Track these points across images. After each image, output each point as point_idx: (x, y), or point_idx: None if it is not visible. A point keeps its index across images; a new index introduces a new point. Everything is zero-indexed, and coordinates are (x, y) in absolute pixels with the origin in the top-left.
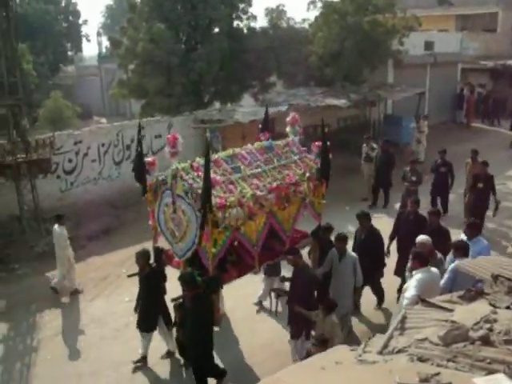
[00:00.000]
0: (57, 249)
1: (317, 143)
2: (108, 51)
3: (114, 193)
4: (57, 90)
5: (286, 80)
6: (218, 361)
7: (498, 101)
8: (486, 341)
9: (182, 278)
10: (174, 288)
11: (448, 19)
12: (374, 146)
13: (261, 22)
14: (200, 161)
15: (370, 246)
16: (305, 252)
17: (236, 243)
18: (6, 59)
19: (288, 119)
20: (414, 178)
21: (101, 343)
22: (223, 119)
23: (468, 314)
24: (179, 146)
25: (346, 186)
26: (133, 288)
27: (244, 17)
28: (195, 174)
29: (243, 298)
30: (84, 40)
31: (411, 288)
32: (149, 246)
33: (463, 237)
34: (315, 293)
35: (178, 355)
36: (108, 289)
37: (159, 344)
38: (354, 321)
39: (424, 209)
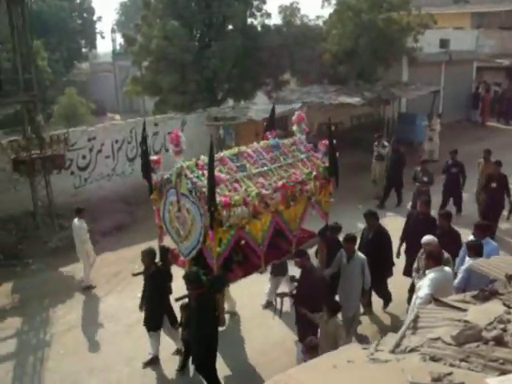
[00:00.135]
0: (76, 242)
1: (324, 142)
2: (122, 48)
3: (127, 189)
4: (71, 87)
5: (300, 78)
6: (229, 359)
7: None
8: (499, 341)
9: (186, 277)
10: (179, 287)
11: (463, 17)
12: (386, 143)
13: (275, 20)
14: (205, 159)
15: (378, 246)
16: (312, 252)
17: (242, 242)
18: (21, 56)
19: (294, 118)
20: (425, 179)
21: (113, 338)
22: (237, 116)
23: (481, 314)
24: (183, 144)
25: (358, 184)
26: (174, 273)
27: (258, 14)
28: (200, 172)
29: (255, 296)
30: (98, 37)
31: (424, 287)
32: (167, 241)
33: (472, 238)
34: (322, 295)
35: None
36: (120, 285)
37: (169, 340)
38: (365, 321)
39: (436, 209)
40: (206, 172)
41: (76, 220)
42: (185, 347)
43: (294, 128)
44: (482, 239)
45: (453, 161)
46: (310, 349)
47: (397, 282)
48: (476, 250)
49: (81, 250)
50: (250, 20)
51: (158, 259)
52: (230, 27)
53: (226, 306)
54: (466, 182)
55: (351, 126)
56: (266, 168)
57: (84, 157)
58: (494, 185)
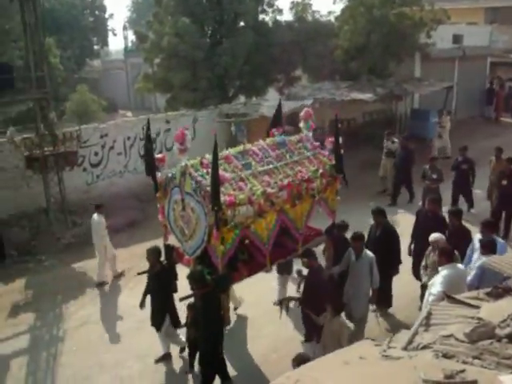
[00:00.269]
0: (94, 237)
1: (330, 139)
2: (134, 45)
3: (139, 186)
4: (83, 84)
5: (311, 74)
6: (240, 355)
7: None
8: None
9: (191, 276)
10: (184, 287)
11: (477, 12)
12: (395, 140)
13: (286, 16)
14: (210, 157)
15: (385, 244)
16: (319, 250)
17: (247, 241)
18: (33, 53)
19: (301, 114)
20: (434, 176)
21: (124, 335)
22: (248, 113)
23: (495, 311)
24: (188, 142)
25: (369, 180)
26: (179, 271)
27: (269, 10)
28: (204, 170)
29: (265, 293)
30: (110, 34)
31: (437, 284)
32: (172, 240)
33: (479, 236)
34: (328, 295)
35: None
36: (132, 281)
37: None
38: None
39: (447, 206)
40: (210, 171)
41: (95, 215)
42: (190, 346)
43: (301, 125)
44: (490, 237)
45: (463, 157)
46: (300, 363)
47: (406, 280)
48: (490, 248)
49: (98, 245)
50: (261, 16)
51: (163, 258)
52: (242, 24)
53: (231, 305)
54: (475, 180)
55: (363, 122)
56: (271, 166)
57: (96, 153)
58: (504, 182)
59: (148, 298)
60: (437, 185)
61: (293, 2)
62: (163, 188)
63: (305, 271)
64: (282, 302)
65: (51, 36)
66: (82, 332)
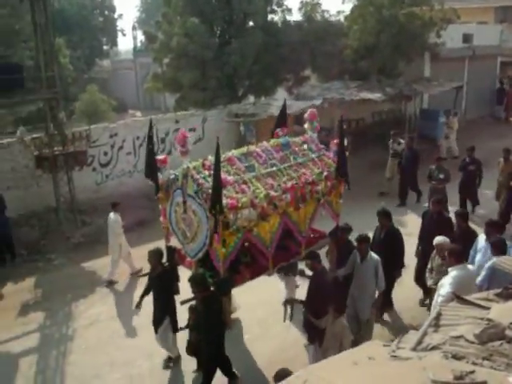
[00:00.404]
0: (110, 235)
1: (335, 140)
2: (143, 45)
3: (148, 185)
4: (92, 84)
5: (321, 73)
6: (248, 355)
7: None
8: None
9: (192, 279)
10: (186, 289)
11: (487, 11)
12: (401, 141)
13: (295, 16)
14: (212, 159)
15: (389, 246)
16: (323, 252)
17: (247, 244)
18: (43, 53)
19: (306, 115)
20: (441, 176)
21: (134, 333)
22: (257, 113)
23: (505, 312)
24: (189, 144)
25: (378, 181)
26: (181, 274)
27: (279, 10)
28: (207, 172)
29: (272, 294)
30: (119, 34)
31: (446, 285)
32: (174, 242)
33: (483, 236)
34: (331, 298)
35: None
36: (142, 280)
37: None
38: (384, 320)
39: (455, 206)
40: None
41: (111, 214)
42: (190, 348)
43: (306, 126)
44: (494, 238)
45: (470, 158)
46: (279, 380)
47: (413, 282)
48: (501, 248)
49: (113, 243)
50: (270, 16)
51: (165, 260)
52: (251, 24)
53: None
54: (482, 181)
55: (372, 122)
56: (275, 168)
57: (106, 153)
58: None
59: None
60: (443, 185)
61: (302, 2)
62: (165, 190)
63: (309, 272)
64: (286, 304)
65: (61, 36)
66: (92, 331)
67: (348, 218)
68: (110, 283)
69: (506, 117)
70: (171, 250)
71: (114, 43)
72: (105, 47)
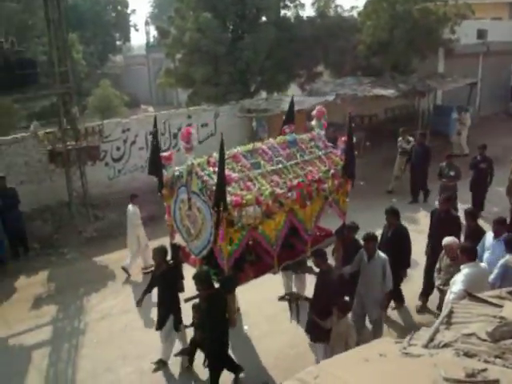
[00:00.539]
0: (129, 227)
1: (343, 138)
2: (156, 41)
3: None
4: (105, 79)
5: (333, 69)
6: (260, 350)
7: None
8: None
9: (196, 277)
10: (191, 287)
11: (502, 7)
12: (410, 139)
13: (308, 11)
14: (217, 156)
15: (396, 245)
16: (330, 251)
17: (251, 242)
18: (56, 49)
19: (314, 112)
20: (451, 173)
21: (146, 327)
22: (270, 109)
23: None
24: (194, 141)
25: (389, 177)
26: (186, 271)
27: (291, 5)
28: (211, 169)
29: (283, 289)
30: (132, 30)
31: (458, 282)
32: (178, 239)
33: (491, 234)
34: (337, 297)
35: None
36: None
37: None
38: (395, 317)
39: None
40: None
41: (130, 206)
42: (193, 346)
43: (313, 123)
44: (501, 236)
45: (481, 156)
46: None
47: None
48: None
49: (132, 235)
50: (283, 11)
51: (169, 257)
52: (264, 19)
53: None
54: (494, 178)
55: (385, 118)
56: (281, 165)
57: (118, 148)
58: None
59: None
60: (454, 183)
61: None
62: (170, 187)
63: (316, 270)
64: (289, 299)
65: (74, 32)
66: (104, 324)
67: (356, 216)
68: (125, 270)
69: None
70: (176, 248)
71: (126, 39)
72: (118, 43)
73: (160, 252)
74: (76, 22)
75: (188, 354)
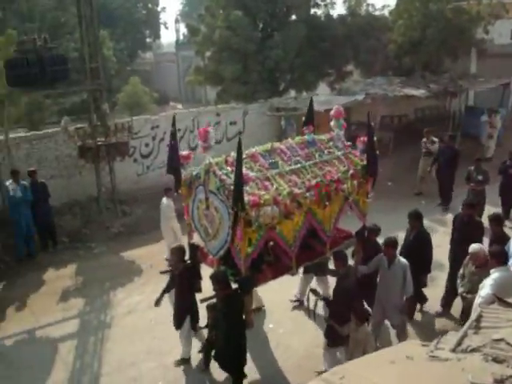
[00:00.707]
0: (162, 220)
1: (362, 138)
2: (185, 38)
3: None
4: (135, 76)
5: (363, 69)
6: (284, 348)
7: None
8: None
9: (213, 277)
10: (209, 287)
11: None
12: (435, 139)
13: (339, 9)
14: (235, 155)
15: (417, 249)
16: (349, 252)
17: (272, 243)
18: (88, 45)
19: (332, 112)
20: (480, 178)
21: (171, 323)
22: (298, 107)
23: None
24: (211, 139)
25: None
26: (203, 271)
27: (322, 4)
28: (229, 169)
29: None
30: (162, 27)
31: (487, 286)
32: (197, 239)
33: None
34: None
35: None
36: None
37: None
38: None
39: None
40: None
41: (164, 199)
42: (208, 346)
43: (332, 123)
44: None
45: (511, 161)
46: None
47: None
48: None
49: (166, 228)
50: (313, 10)
51: (187, 257)
52: (294, 17)
53: (254, 305)
54: None
55: (415, 118)
56: (299, 165)
57: (147, 145)
58: None
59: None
60: (482, 187)
61: None
62: (188, 186)
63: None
64: (311, 293)
65: (105, 28)
66: (129, 319)
67: (381, 217)
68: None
69: None
70: (194, 248)
71: (156, 36)
72: (148, 40)
73: (178, 251)
74: (107, 19)
75: (204, 354)
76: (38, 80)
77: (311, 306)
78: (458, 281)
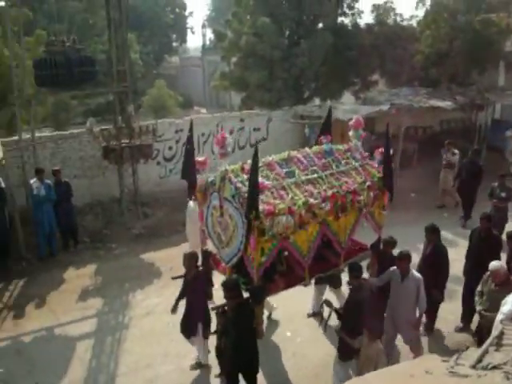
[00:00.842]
0: (188, 224)
1: (380, 149)
2: (212, 43)
3: None
4: (161, 80)
5: (389, 79)
6: (301, 357)
7: None
8: None
9: (225, 285)
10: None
11: None
12: (456, 151)
13: (366, 18)
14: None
15: (432, 264)
16: (365, 265)
17: (286, 253)
18: (116, 48)
19: (351, 122)
20: (503, 195)
21: None
22: (323, 116)
23: None
24: (228, 146)
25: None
26: (215, 279)
27: (349, 12)
28: (245, 176)
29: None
30: (189, 32)
31: (509, 303)
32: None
33: None
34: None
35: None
36: None
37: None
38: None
39: None
40: None
41: (191, 202)
42: (218, 355)
43: (351, 133)
44: None
45: None
46: None
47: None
48: None
49: (191, 231)
50: (340, 18)
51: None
52: (320, 25)
53: (265, 314)
54: None
55: (441, 130)
56: (316, 175)
57: (170, 148)
58: None
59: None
60: (505, 204)
61: (374, 5)
62: (203, 192)
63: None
64: (325, 305)
65: (132, 31)
66: (147, 321)
67: (400, 229)
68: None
69: None
70: (207, 254)
71: (183, 40)
72: (174, 44)
73: (191, 257)
74: (135, 22)
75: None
76: (66, 81)
77: (324, 317)
78: (476, 298)
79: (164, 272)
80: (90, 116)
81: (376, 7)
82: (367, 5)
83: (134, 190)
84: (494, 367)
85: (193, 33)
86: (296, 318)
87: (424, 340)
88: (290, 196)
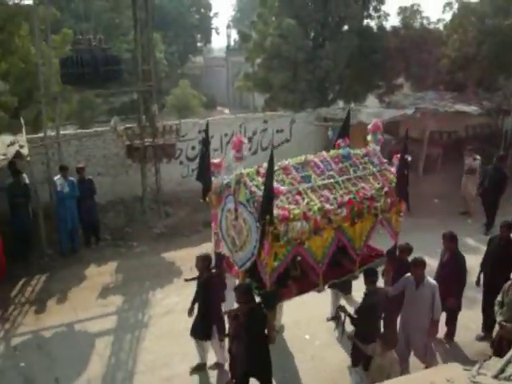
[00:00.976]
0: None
1: (397, 155)
2: (236, 44)
3: None
4: (185, 79)
5: (414, 82)
6: (319, 361)
7: None
8: None
9: (238, 289)
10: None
11: None
12: (478, 157)
13: (392, 21)
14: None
15: (450, 272)
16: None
17: (299, 258)
18: (141, 47)
19: (369, 126)
20: None
21: None
22: None
23: None
24: (245, 150)
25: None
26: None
27: (375, 15)
28: (260, 180)
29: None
30: (213, 32)
31: None
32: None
33: None
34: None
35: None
36: None
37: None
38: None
39: None
40: None
41: None
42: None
43: (369, 138)
44: None
45: None
46: None
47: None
48: None
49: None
50: (366, 21)
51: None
52: (346, 27)
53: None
54: None
55: (466, 135)
56: (332, 180)
57: (193, 148)
58: None
59: None
60: None
61: (401, 8)
62: (218, 194)
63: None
64: (339, 311)
65: (158, 31)
66: (166, 320)
67: (421, 235)
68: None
69: None
70: (220, 257)
71: (207, 41)
72: (199, 44)
73: (204, 260)
74: (160, 22)
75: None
76: (91, 79)
77: (340, 322)
78: (496, 308)
79: (184, 271)
80: (114, 114)
81: (402, 10)
82: (393, 7)
83: (156, 189)
84: None
85: (217, 33)
86: (314, 321)
87: (444, 348)
88: (305, 201)
